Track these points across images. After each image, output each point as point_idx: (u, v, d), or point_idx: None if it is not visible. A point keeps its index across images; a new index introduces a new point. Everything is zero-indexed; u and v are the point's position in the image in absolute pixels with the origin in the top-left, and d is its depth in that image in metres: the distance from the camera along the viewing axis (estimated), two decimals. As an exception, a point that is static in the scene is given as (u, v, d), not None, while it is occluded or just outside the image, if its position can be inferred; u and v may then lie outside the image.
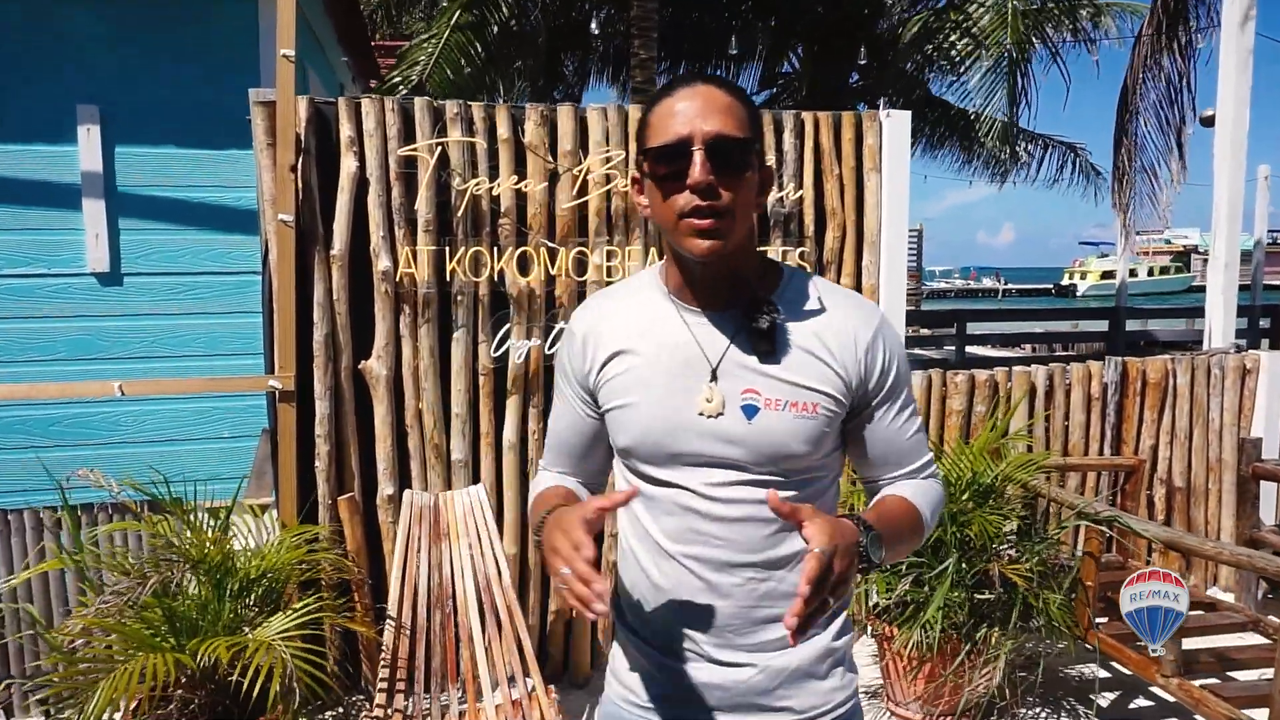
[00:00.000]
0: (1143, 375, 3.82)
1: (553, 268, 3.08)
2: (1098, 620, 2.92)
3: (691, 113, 1.09)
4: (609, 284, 3.18)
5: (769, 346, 1.14)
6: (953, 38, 8.72)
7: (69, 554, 2.40)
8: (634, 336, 1.20)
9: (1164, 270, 44.33)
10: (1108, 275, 46.45)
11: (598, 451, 1.32)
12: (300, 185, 2.89)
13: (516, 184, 3.03)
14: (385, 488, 3.03)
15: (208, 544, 2.30)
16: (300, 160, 2.88)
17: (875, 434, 1.21)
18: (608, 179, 3.10)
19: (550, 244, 3.08)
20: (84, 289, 3.17)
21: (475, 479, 3.11)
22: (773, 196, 3.28)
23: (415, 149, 2.95)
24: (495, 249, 3.05)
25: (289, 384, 2.87)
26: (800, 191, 3.31)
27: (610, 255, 3.13)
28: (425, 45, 7.91)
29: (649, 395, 1.16)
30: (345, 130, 2.91)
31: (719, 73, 11.38)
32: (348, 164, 2.92)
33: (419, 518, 2.82)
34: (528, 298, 3.09)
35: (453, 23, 7.95)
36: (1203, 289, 4.95)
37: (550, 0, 9.67)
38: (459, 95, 6.36)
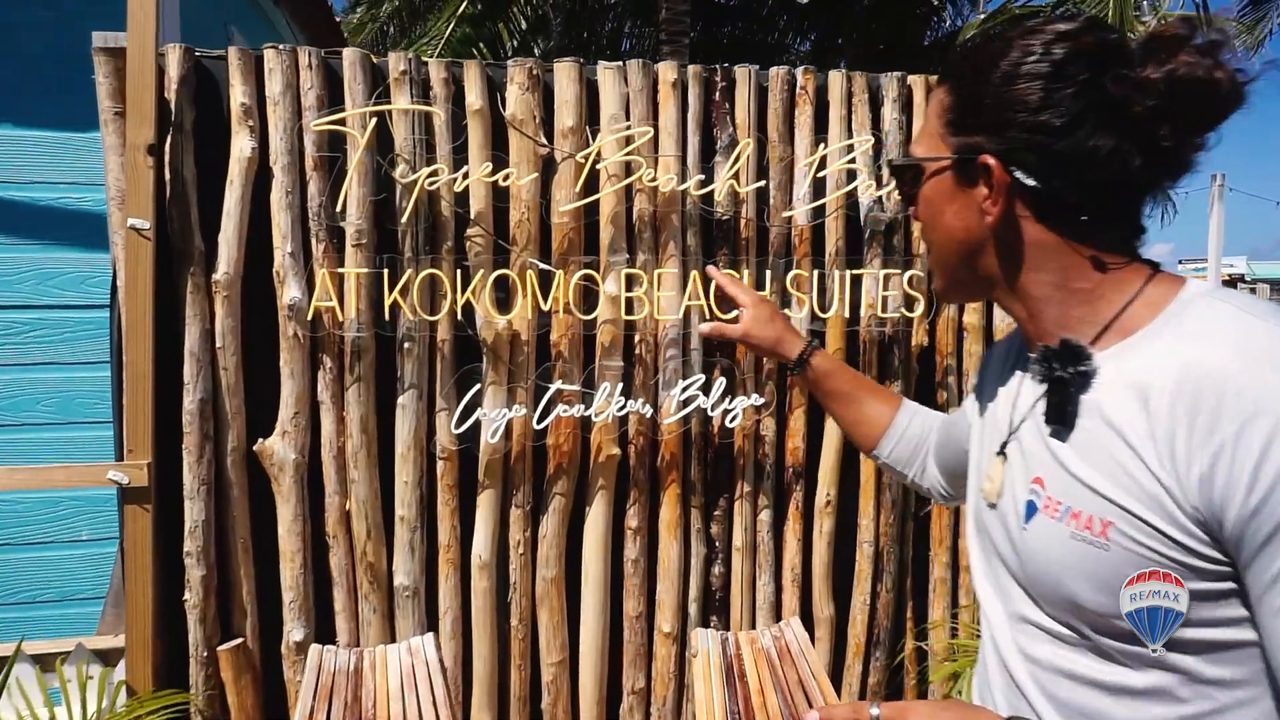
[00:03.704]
0: None
1: (545, 300, 2.07)
2: None
3: None
4: (628, 321, 2.19)
5: (1058, 415, 0.69)
6: None
7: None
8: (992, 372, 0.87)
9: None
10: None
11: (948, 458, 1.00)
12: (168, 176, 1.93)
13: (493, 176, 2.04)
14: (293, 631, 2.01)
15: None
16: (170, 139, 1.93)
17: (1255, 616, 0.60)
18: (628, 169, 2.10)
19: (543, 265, 2.08)
20: (-122, 330, 2.22)
21: (430, 615, 2.08)
22: (868, 197, 2.27)
23: (341, 117, 1.97)
24: (460, 272, 2.05)
25: (140, 477, 1.88)
26: (907, 189, 2.29)
27: (632, 281, 2.12)
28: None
29: (971, 453, 0.88)
30: (238, 95, 1.95)
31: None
32: (241, 144, 1.95)
33: (328, 693, 1.79)
34: (508, 344, 2.08)
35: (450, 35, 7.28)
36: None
37: (572, 11, 9.00)
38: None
